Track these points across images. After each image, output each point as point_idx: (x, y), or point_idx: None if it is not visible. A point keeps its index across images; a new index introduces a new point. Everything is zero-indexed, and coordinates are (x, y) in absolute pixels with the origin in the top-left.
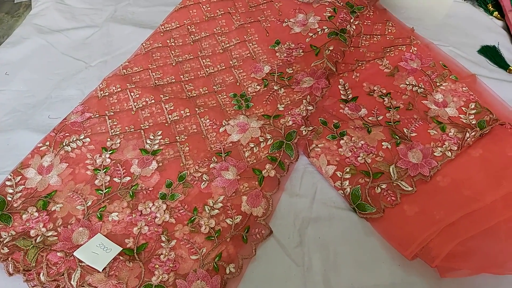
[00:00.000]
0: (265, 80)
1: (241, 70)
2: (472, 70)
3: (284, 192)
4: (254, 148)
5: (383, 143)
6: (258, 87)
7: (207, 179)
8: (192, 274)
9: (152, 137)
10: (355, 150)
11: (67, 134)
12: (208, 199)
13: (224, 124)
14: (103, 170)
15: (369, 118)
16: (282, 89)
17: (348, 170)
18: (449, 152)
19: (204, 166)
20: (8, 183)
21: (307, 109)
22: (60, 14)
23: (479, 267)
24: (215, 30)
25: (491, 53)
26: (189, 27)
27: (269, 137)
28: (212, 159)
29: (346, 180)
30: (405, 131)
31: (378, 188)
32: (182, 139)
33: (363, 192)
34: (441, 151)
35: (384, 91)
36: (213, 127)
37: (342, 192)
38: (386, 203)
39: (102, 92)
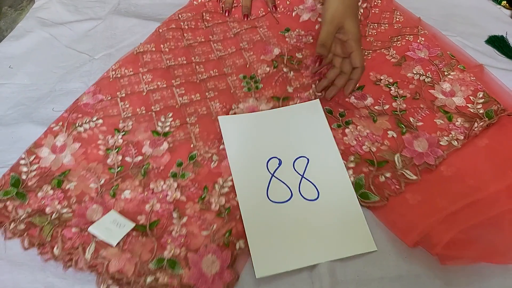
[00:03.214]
0: (274, 62)
1: (251, 53)
2: (480, 60)
3: None
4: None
5: (388, 132)
6: (268, 69)
7: (217, 159)
8: (203, 249)
9: (163, 119)
10: (360, 139)
11: (79, 115)
12: (218, 178)
13: (233, 107)
14: (115, 149)
15: (375, 107)
16: (292, 72)
17: (352, 159)
18: (455, 141)
19: (214, 147)
20: (22, 162)
21: (316, 94)
22: (63, 7)
23: (480, 256)
24: (228, 19)
25: (499, 43)
26: (204, 13)
27: None
28: (222, 141)
29: (350, 169)
30: (411, 120)
31: (382, 176)
32: (192, 121)
33: (367, 181)
34: (447, 140)
35: (391, 80)
36: (223, 110)
37: None
38: (390, 191)
39: (114, 73)
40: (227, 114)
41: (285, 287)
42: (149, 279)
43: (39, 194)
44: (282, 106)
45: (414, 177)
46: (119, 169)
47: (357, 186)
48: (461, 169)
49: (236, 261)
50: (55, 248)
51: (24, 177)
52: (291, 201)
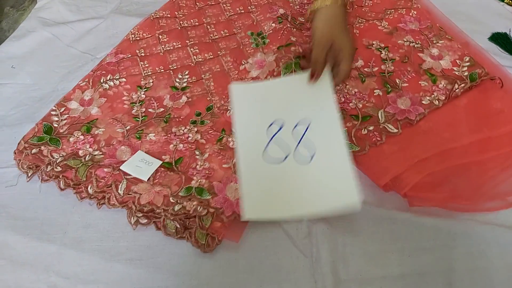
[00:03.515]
0: (279, 18)
1: (258, 13)
2: None
3: None
4: (270, 79)
5: (374, 91)
6: (274, 25)
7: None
8: (225, 178)
9: (181, 76)
10: (348, 96)
11: (103, 72)
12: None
13: (243, 63)
14: (139, 103)
15: (365, 69)
16: (295, 29)
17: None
18: (437, 101)
19: (228, 100)
20: (53, 113)
21: None
22: (65, 7)
23: (446, 198)
24: None
25: (502, 40)
26: None
27: (282, 65)
28: None
29: None
30: (397, 81)
31: (365, 129)
32: (207, 77)
33: (349, 134)
34: (429, 99)
35: (383, 45)
36: (234, 65)
37: None
38: (370, 143)
39: (133, 36)
40: (238, 69)
41: (288, 286)
42: (177, 207)
43: (71, 139)
44: (285, 53)
45: (395, 130)
46: (143, 118)
47: None
48: (438, 124)
49: None
50: (89, 187)
51: (55, 125)
52: (285, 162)
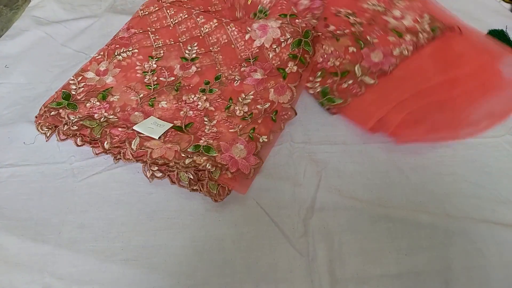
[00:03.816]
0: None
1: None
2: None
3: (288, 182)
4: (277, 49)
5: (349, 48)
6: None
7: (239, 79)
8: (232, 140)
9: (190, 48)
10: (325, 56)
11: (117, 46)
12: (240, 93)
13: (248, 30)
14: (150, 72)
15: (337, 31)
16: None
17: (319, 74)
18: (406, 51)
19: (236, 70)
20: (71, 81)
21: (312, 22)
22: (59, 5)
23: (427, 131)
24: None
25: (498, 37)
26: None
27: (289, 36)
28: (242, 65)
29: (318, 82)
30: (368, 38)
31: (346, 83)
32: (216, 50)
33: (331, 89)
34: (399, 51)
35: (350, 11)
36: (240, 35)
37: (313, 91)
38: (351, 94)
39: (142, 12)
40: (244, 39)
41: (285, 285)
42: (187, 161)
43: (88, 104)
44: (290, 22)
45: (372, 81)
46: (155, 86)
47: (322, 93)
48: (410, 70)
49: (260, 152)
50: (105, 143)
51: (73, 93)
52: None
